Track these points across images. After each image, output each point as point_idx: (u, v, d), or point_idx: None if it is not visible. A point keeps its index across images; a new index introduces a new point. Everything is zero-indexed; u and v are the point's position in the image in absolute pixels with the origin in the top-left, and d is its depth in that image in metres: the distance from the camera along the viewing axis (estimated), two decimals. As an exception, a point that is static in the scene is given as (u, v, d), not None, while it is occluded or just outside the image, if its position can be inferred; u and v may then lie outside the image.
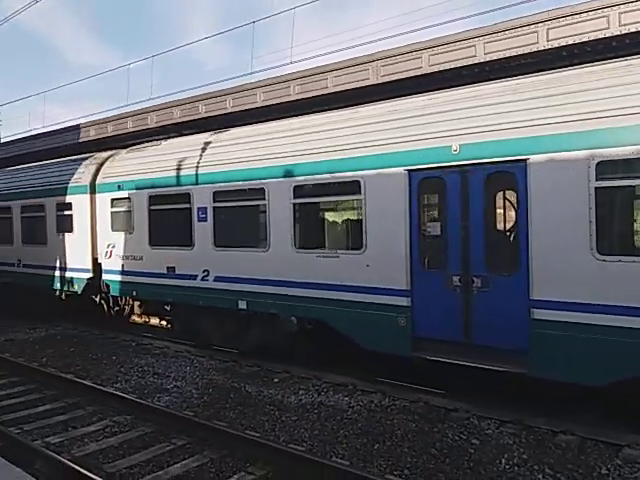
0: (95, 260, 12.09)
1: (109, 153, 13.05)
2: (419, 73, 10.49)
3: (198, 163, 9.94)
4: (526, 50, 9.55)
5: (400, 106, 7.82)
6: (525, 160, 6.31)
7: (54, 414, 7.14)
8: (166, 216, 10.66)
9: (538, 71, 7.36)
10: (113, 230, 11.58)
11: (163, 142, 11.72)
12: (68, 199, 12.72)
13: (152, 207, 10.70)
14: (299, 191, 8.48)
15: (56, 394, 7.93)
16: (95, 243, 12.11)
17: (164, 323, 12.60)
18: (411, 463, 5.57)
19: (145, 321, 13.24)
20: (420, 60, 10.41)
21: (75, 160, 13.71)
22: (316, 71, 12.13)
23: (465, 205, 6.87)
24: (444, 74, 10.23)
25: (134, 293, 11.34)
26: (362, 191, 7.70)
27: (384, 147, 7.47)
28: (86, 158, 13.32)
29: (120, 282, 11.50)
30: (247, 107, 13.67)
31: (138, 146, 12.44)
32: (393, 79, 10.85)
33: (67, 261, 12.81)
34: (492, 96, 6.86)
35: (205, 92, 14.89)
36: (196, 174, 9.89)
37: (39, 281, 13.73)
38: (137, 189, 10.98)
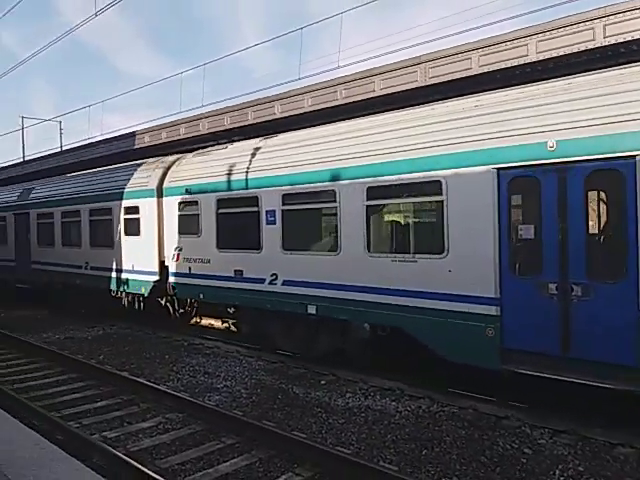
0: (162, 263, 12.19)
1: (175, 157, 13.15)
2: (469, 74, 10.32)
3: (266, 166, 9.85)
4: (581, 47, 9.24)
5: (486, 100, 7.37)
6: (635, 156, 5.79)
7: (110, 410, 7.42)
8: (234, 219, 10.60)
9: (597, 69, 7.07)
10: (180, 233, 11.63)
11: (229, 145, 11.68)
12: (135, 203, 12.93)
13: (220, 210, 10.66)
14: (373, 192, 8.16)
15: (112, 391, 8.23)
16: (162, 246, 12.22)
17: (226, 326, 12.81)
18: (460, 471, 5.47)
19: (210, 324, 13.43)
20: (470, 61, 10.24)
21: (141, 164, 13.95)
22: (363, 75, 12.13)
23: (563, 205, 6.35)
24: (494, 74, 10.02)
25: (201, 296, 11.32)
26: (443, 191, 7.27)
27: (468, 144, 7.06)
28: (152, 162, 13.55)
29: (187, 285, 11.50)
30: (295, 113, 13.82)
31: (204, 150, 12.44)
32: (442, 81, 10.72)
33: (134, 264, 12.96)
34: (593, 88, 6.33)
35: (254, 99, 15.16)
36: (264, 177, 9.81)
37: (106, 283, 13.91)
38: (205, 192, 11.01)
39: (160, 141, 18.31)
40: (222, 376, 9.00)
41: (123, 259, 13.27)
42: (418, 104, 8.83)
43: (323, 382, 8.57)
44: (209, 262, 10.90)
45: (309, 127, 10.74)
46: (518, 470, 5.44)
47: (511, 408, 7.03)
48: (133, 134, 19.60)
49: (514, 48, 9.67)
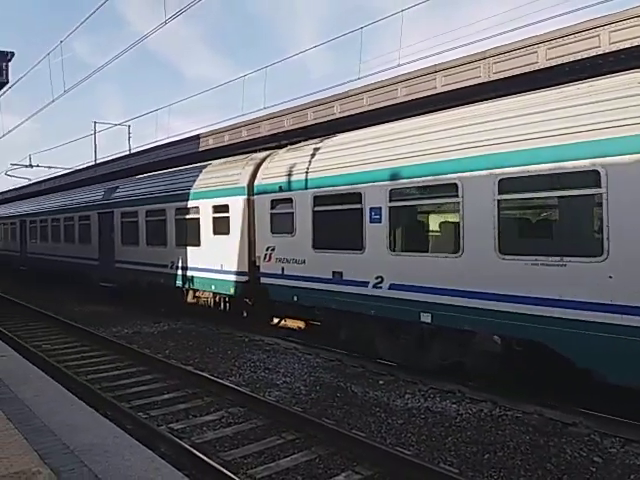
0: (252, 263, 11.82)
1: (266, 153, 12.68)
2: (535, 68, 9.96)
3: (370, 160, 9.12)
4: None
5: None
6: None
7: (176, 402, 7.71)
8: (332, 217, 10.02)
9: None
10: (273, 232, 11.17)
11: (326, 140, 10.92)
12: (224, 201, 12.62)
13: (316, 208, 10.11)
14: (506, 185, 7.09)
15: (178, 384, 8.54)
16: (252, 246, 11.85)
17: (299, 327, 12.75)
18: (525, 477, 5.32)
19: (299, 327, 12.95)
20: (536, 55, 9.87)
21: (229, 162, 13.70)
22: (424, 72, 11.96)
23: None
24: (562, 68, 9.62)
25: (294, 298, 10.63)
26: (602, 183, 6.17)
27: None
28: (241, 160, 13.26)
29: (280, 286, 10.99)
30: (354, 112, 13.81)
31: (296, 145, 11.81)
32: (506, 76, 10.41)
33: (222, 263, 12.62)
34: None
35: (313, 100, 15.26)
36: (368, 172, 9.06)
37: (192, 283, 13.78)
38: (299, 189, 10.49)
39: (223, 144, 18.76)
40: (282, 372, 9.14)
41: (211, 259, 12.99)
42: (482, 100, 8.61)
43: (381, 382, 8.54)
44: (304, 263, 10.37)
45: (368, 126, 10.69)
46: (587, 479, 5.22)
47: (579, 415, 6.74)
48: (197, 137, 20.19)
49: (584, 39, 9.25)
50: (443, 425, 6.69)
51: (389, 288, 8.71)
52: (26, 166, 32.23)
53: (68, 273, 21.49)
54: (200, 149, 19.69)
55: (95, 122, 36.57)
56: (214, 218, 12.98)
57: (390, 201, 8.72)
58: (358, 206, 9.21)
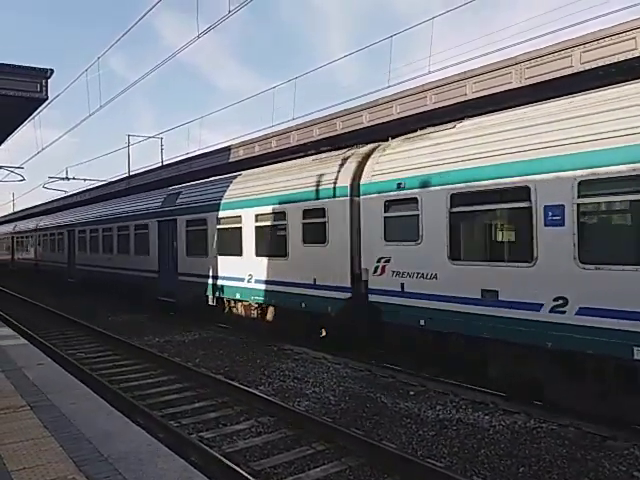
0: (356, 277, 10.09)
1: (370, 147, 10.86)
2: (569, 72, 9.79)
3: (543, 144, 7.18)
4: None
5: None
6: None
7: (207, 411, 7.75)
8: (479, 220, 8.41)
9: None
10: (387, 240, 9.36)
11: (458, 124, 9.01)
12: (319, 204, 10.86)
13: (455, 209, 8.27)
14: None
15: (208, 393, 8.59)
16: (356, 256, 10.11)
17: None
18: (562, 492, 5.16)
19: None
20: (570, 59, 9.70)
21: (318, 160, 12.01)
22: (454, 79, 11.89)
23: None
24: (596, 71, 9.43)
25: (421, 322, 8.72)
26: None
27: None
28: (336, 156, 11.43)
29: (398, 306, 9.11)
30: (383, 120, 13.80)
31: (418, 133, 9.82)
32: (539, 81, 10.26)
33: (315, 277, 10.92)
34: None
35: (342, 109, 15.32)
36: (543, 159, 7.13)
37: (275, 299, 12.13)
38: (428, 186, 8.63)
39: (253, 154, 18.99)
40: (311, 382, 9.12)
41: (300, 272, 11.31)
42: (514, 106, 8.49)
43: (412, 393, 8.42)
44: (435, 278, 8.50)
45: (397, 135, 10.64)
46: (628, 496, 5.04)
47: (618, 428, 6.51)
48: (229, 148, 20.49)
49: (621, 42, 9.05)
50: (475, 437, 6.55)
51: (578, 313, 6.74)
52: (63, 179, 33.11)
53: (122, 287, 20.05)
54: (231, 160, 19.97)
55: (129, 135, 37.50)
56: (305, 225, 11.27)
57: (579, 197, 6.74)
58: (524, 204, 7.36)
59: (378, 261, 9.53)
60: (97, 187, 34.23)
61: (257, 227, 12.73)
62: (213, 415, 7.54)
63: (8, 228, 43.58)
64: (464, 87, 11.62)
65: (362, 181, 9.99)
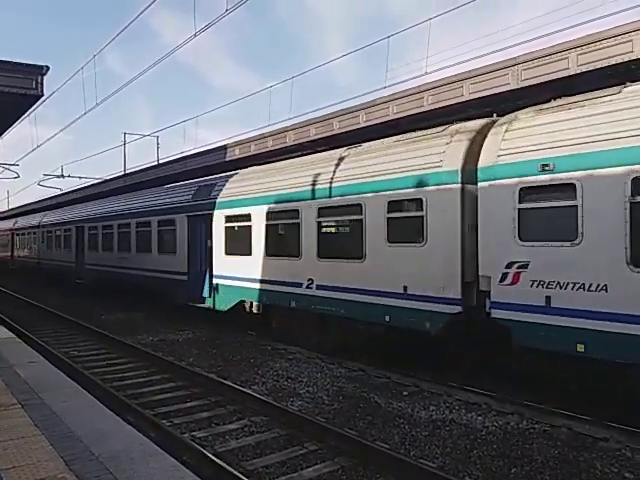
0: (467, 285, 8.17)
1: (482, 122, 8.81)
2: (565, 75, 9.82)
3: None
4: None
5: None
6: None
7: (199, 410, 7.72)
8: None
9: None
10: (523, 239, 7.34)
11: (623, 88, 7.05)
12: (413, 193, 8.87)
13: (638, 198, 6.34)
14: None
15: (201, 392, 8.56)
16: (468, 259, 8.15)
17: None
18: (554, 494, 5.16)
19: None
20: (567, 61, 9.73)
21: (408, 139, 9.75)
22: (450, 80, 11.91)
23: None
24: (592, 74, 9.47)
25: (579, 348, 6.77)
26: None
27: None
28: (434, 134, 9.28)
29: (544, 325, 7.11)
30: (379, 121, 13.82)
31: (561, 101, 7.62)
32: (536, 83, 10.29)
33: (406, 285, 8.93)
34: None
35: (339, 109, 15.34)
36: None
37: (346, 309, 10.12)
38: (594, 169, 6.69)
39: (249, 153, 18.98)
40: (304, 382, 9.10)
41: (383, 277, 9.34)
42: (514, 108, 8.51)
43: (405, 393, 8.42)
44: (605, 289, 6.52)
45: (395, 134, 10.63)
46: (620, 498, 5.04)
47: (610, 429, 6.53)
48: (225, 147, 20.48)
49: (617, 45, 9.08)
50: (468, 438, 6.55)
51: None
52: (58, 176, 32.95)
53: (142, 289, 17.95)
54: (227, 159, 19.96)
55: (125, 133, 37.46)
56: (390, 220, 9.29)
57: None
58: None
59: (508, 266, 7.49)
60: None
61: (320, 223, 10.80)
62: (206, 414, 7.51)
63: (7, 224, 40.79)
64: (461, 88, 11.64)
65: (481, 163, 7.90)
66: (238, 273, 13.06)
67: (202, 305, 14.40)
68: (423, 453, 6.12)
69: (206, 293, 14.28)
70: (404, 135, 10.06)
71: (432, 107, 12.31)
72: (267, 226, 12.15)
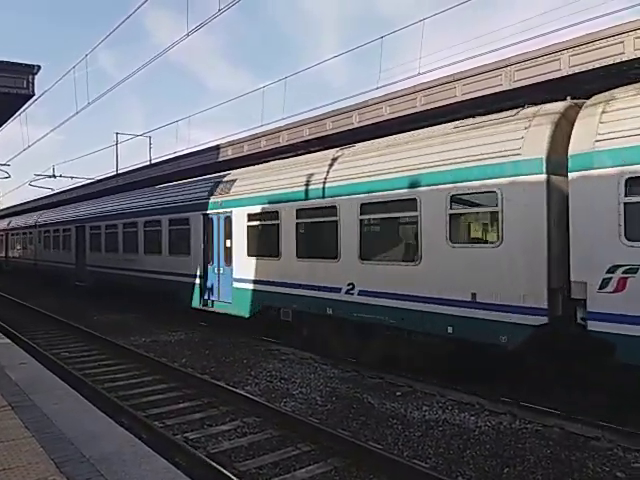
0: (553, 293, 7.06)
1: (565, 104, 7.66)
2: (557, 76, 9.86)
3: None
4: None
5: None
6: None
7: (192, 411, 7.68)
8: None
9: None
10: (632, 239, 6.19)
11: None
12: (486, 186, 7.70)
13: None
14: None
15: (194, 393, 8.52)
16: (556, 263, 7.03)
17: None
18: (546, 493, 5.17)
19: None
20: (559, 62, 9.78)
21: (474, 123, 8.51)
22: (443, 81, 11.93)
23: None
24: (585, 75, 9.51)
25: None
26: None
27: None
28: (509, 117, 8.04)
29: None
30: (373, 121, 13.82)
31: None
32: (528, 84, 10.33)
33: (475, 292, 7.81)
34: None
35: (332, 110, 15.34)
36: None
37: (396, 318, 8.94)
38: None
39: (242, 154, 18.93)
40: (297, 383, 9.08)
41: (445, 282, 8.23)
42: (506, 109, 8.52)
43: (399, 393, 8.42)
44: None
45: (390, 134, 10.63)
46: (612, 497, 5.06)
47: (602, 428, 6.56)
48: (217, 147, 20.42)
49: (609, 46, 9.13)
50: (461, 438, 6.56)
51: None
52: (49, 176, 32.71)
53: (152, 293, 16.90)
54: (220, 159, 19.90)
55: (117, 133, 37.25)
56: (452, 216, 8.20)
57: None
58: None
59: (611, 271, 6.35)
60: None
61: (363, 221, 9.67)
62: (198, 416, 7.48)
63: (2, 224, 39.49)
64: (454, 89, 11.67)
65: (572, 151, 6.79)
66: (262, 276, 12.03)
67: (220, 310, 13.50)
68: (416, 453, 6.13)
69: (228, 297, 13.24)
70: (464, 121, 8.88)
71: (425, 108, 12.33)
72: (299, 225, 11.07)
